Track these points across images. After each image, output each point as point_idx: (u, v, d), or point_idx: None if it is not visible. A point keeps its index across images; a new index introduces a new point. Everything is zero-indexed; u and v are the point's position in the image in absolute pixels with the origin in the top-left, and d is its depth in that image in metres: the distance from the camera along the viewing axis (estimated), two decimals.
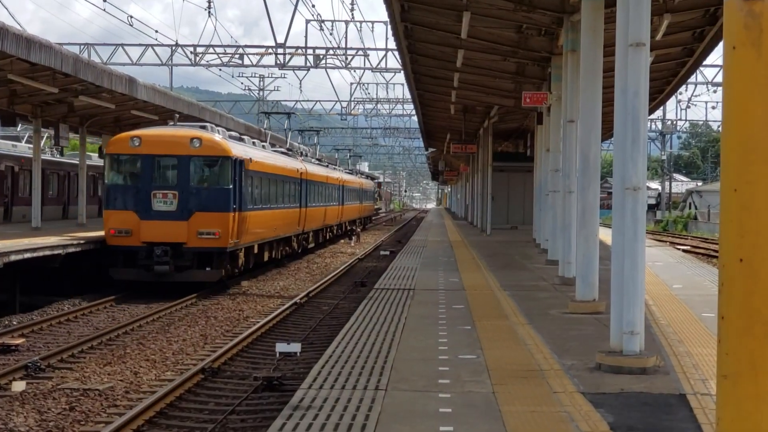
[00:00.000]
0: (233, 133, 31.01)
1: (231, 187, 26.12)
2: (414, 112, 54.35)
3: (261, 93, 76.79)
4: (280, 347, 16.71)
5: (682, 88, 62.29)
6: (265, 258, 32.22)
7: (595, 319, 14.14)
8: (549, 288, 19.00)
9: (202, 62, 49.95)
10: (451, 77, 30.74)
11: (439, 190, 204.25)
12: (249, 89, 76.26)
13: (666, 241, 48.90)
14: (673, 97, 53.37)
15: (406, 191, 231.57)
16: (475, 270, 23.19)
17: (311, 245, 43.86)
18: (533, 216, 34.53)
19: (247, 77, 75.07)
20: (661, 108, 72.84)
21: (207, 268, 25.81)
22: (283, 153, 38.57)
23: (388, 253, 41.60)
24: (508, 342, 12.07)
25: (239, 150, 27.62)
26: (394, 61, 55.03)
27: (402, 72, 36.33)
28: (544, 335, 12.58)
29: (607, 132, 38.35)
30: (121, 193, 25.86)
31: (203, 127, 27.71)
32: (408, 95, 58.31)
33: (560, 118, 22.15)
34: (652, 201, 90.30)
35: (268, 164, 31.73)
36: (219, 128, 29.08)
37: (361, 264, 37.88)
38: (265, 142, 38.93)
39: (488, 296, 17.40)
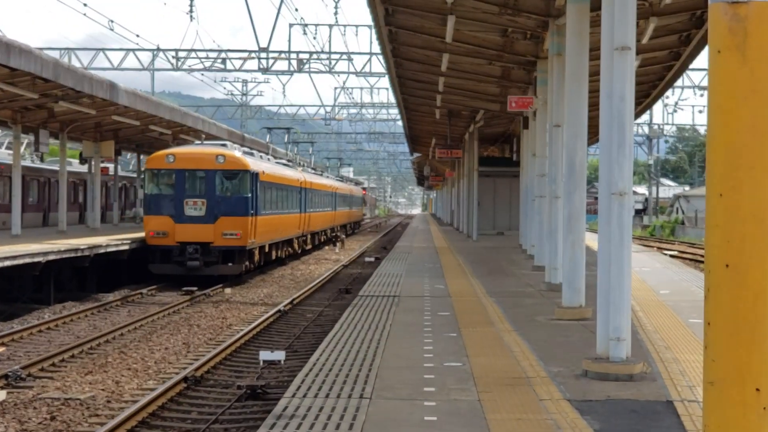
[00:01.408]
0: (246, 149, 36.04)
1: (249, 195, 31.15)
2: (399, 116, 54.39)
3: (244, 98, 76.70)
4: (264, 355, 16.68)
5: (669, 92, 62.48)
6: (273, 257, 36.91)
7: (582, 325, 14.16)
8: (535, 294, 19.02)
9: (184, 67, 49.85)
10: (436, 81, 30.78)
11: (425, 196, 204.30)
12: (232, 94, 76.21)
13: (653, 247, 49.03)
14: (660, 101, 53.57)
15: (391, 197, 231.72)
16: (460, 276, 23.21)
17: (309, 247, 47.27)
18: (519, 221, 34.58)
19: (229, 82, 75.01)
20: (648, 112, 73.11)
21: (229, 264, 30.45)
22: (285, 164, 43.02)
23: (372, 259, 41.57)
24: (494, 349, 12.08)
25: (254, 164, 32.62)
26: (378, 65, 55.01)
27: (386, 76, 36.37)
28: (530, 342, 12.60)
29: (594, 136, 38.43)
30: (158, 201, 30.79)
31: (224, 145, 33.18)
32: (393, 99, 58.33)
33: (546, 123, 22.19)
34: (639, 206, 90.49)
35: (276, 175, 36.76)
36: (236, 145, 34.78)
37: (345, 271, 37.86)
38: (269, 154, 42.78)
39: (474, 303, 17.41)
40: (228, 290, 29.10)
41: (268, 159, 39.15)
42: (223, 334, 20.54)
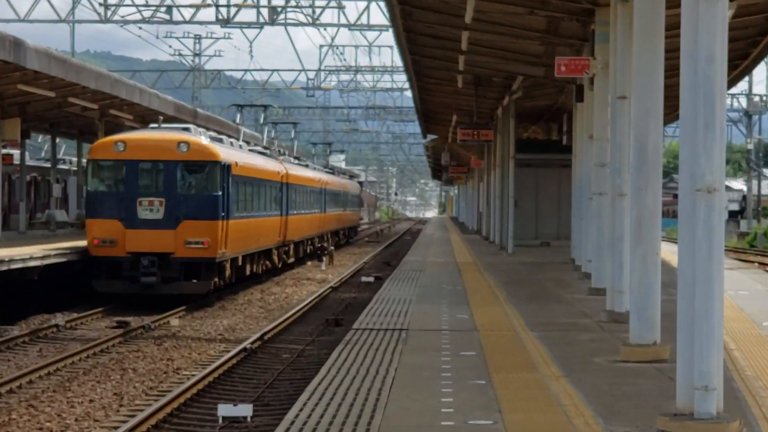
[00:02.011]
0: (212, 134, 37.72)
1: (220, 193, 32.85)
2: (407, 85, 54.42)
3: (196, 60, 76.78)
4: (224, 410, 16.67)
5: None
6: (247, 272, 38.71)
7: (657, 369, 14.16)
8: (593, 327, 19.03)
9: (116, 18, 49.89)
10: (458, 37, 30.75)
11: (443, 193, 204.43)
12: (180, 55, 76.32)
13: (753, 262, 49.01)
14: (763, 63, 53.53)
15: (396, 194, 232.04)
16: (491, 303, 23.21)
17: (291, 260, 49.36)
18: (571, 228, 34.58)
19: (177, 38, 75.11)
20: (746, 79, 73.09)
21: (194, 280, 32.09)
22: (261, 153, 45.19)
23: (371, 279, 41.58)
24: (536, 402, 12.07)
25: (225, 153, 34.46)
26: (379, 14, 55.09)
27: (390, 30, 36.37)
28: (585, 392, 12.59)
29: (672, 112, 38.35)
30: (104, 200, 32.41)
31: (186, 129, 34.67)
32: (399, 62, 58.33)
33: (608, 94, 22.18)
34: (735, 206, 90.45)
35: (252, 167, 38.76)
36: (201, 129, 36.32)
37: (334, 295, 37.87)
38: (240, 139, 44.67)
39: (510, 339, 17.41)
40: (175, 321, 29.10)
41: (240, 146, 40.88)
42: (168, 381, 20.51)
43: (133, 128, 40.05)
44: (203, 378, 20.17)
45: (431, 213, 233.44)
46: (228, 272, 34.83)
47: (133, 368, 21.77)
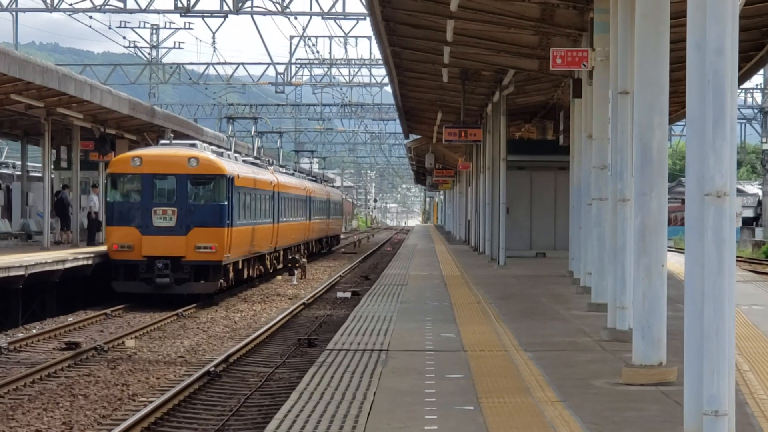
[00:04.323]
0: (214, 148, 45.52)
1: (226, 203, 39.92)
2: (387, 80, 54.45)
3: (153, 53, 76.67)
4: None
5: None
6: (245, 275, 45.68)
7: (662, 393, 14.19)
8: (593, 346, 19.06)
9: (64, 6, 49.83)
10: (442, 26, 30.79)
11: (427, 200, 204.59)
12: (136, 47, 76.17)
13: None
14: None
15: (376, 201, 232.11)
16: (480, 320, 23.23)
17: (280, 266, 55.53)
18: (569, 237, 34.63)
19: (132, 29, 74.96)
20: (762, 72, 73.27)
21: (202, 281, 39.23)
22: (253, 163, 52.00)
23: (348, 295, 41.65)
24: (530, 429, 12.10)
25: (229, 167, 41.44)
26: (356, 2, 55.15)
27: (368, 19, 36.40)
28: (584, 419, 12.61)
29: (679, 109, 38.50)
30: (122, 210, 39.56)
31: (193, 145, 41.99)
32: (377, 54, 58.39)
33: (608, 89, 22.24)
34: (749, 213, 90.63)
35: (250, 178, 45.72)
36: (204, 144, 44.18)
37: (307, 312, 37.91)
38: (232, 150, 51.69)
39: (501, 360, 17.43)
40: (131, 342, 29.07)
41: (235, 158, 47.52)
42: (123, 408, 20.50)
43: (147, 144, 47.95)
44: (162, 405, 20.15)
45: (414, 221, 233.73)
46: (231, 274, 41.88)
47: (84, 394, 21.73)
